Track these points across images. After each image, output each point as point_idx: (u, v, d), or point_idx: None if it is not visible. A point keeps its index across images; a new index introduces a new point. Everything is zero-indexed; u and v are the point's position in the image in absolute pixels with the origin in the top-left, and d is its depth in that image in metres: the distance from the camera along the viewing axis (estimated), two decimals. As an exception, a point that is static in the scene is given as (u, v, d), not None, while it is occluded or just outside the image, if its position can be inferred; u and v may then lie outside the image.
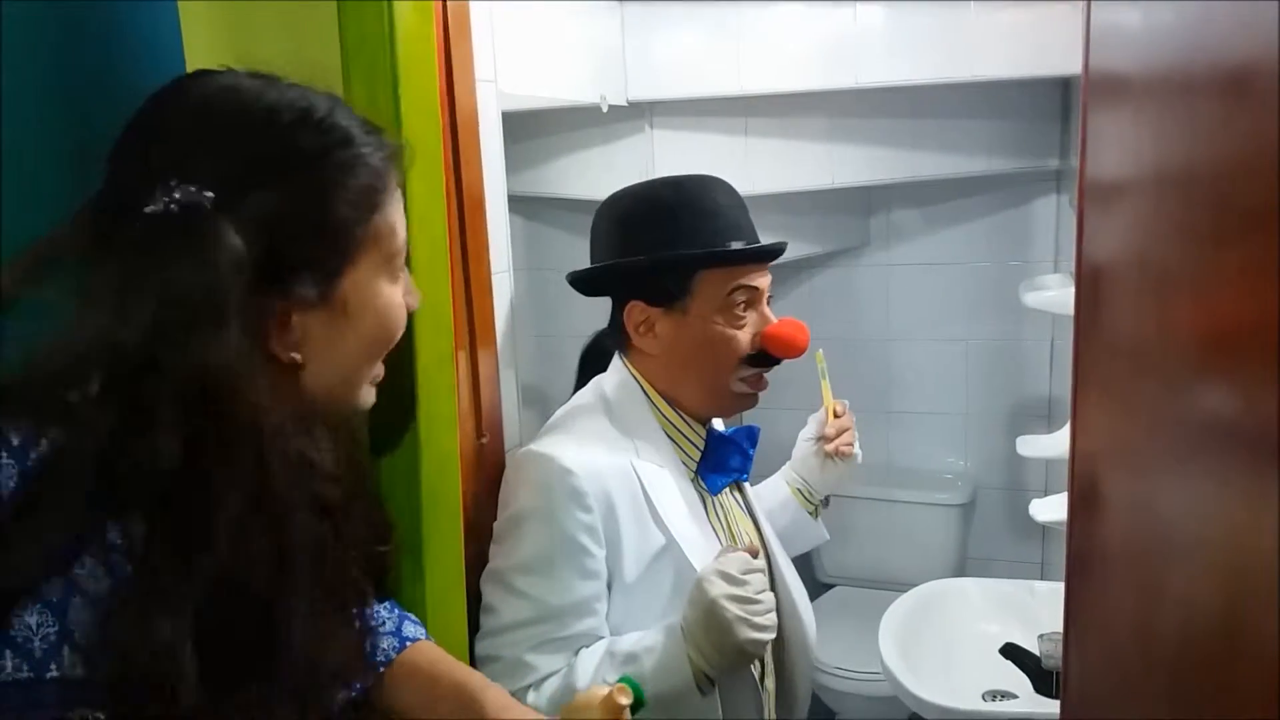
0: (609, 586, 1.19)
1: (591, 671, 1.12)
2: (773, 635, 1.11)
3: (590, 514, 1.16)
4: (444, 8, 1.14)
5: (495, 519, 1.25)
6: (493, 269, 1.31)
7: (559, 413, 1.33)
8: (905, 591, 1.93)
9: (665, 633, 1.12)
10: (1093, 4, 0.80)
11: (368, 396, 0.81)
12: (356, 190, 0.72)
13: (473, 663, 1.16)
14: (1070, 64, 1.89)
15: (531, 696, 1.13)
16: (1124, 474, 0.75)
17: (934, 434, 2.71)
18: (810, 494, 1.50)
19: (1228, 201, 0.51)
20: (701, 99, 2.04)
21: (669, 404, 1.29)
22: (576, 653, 1.15)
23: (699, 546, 1.20)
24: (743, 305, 1.26)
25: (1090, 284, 0.83)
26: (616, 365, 1.33)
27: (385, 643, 0.99)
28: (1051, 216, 2.50)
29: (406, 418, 1.06)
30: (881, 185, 2.43)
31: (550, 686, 1.13)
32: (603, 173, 2.13)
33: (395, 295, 0.77)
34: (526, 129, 2.14)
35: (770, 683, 1.30)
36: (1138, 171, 0.70)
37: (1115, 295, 0.76)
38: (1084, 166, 0.85)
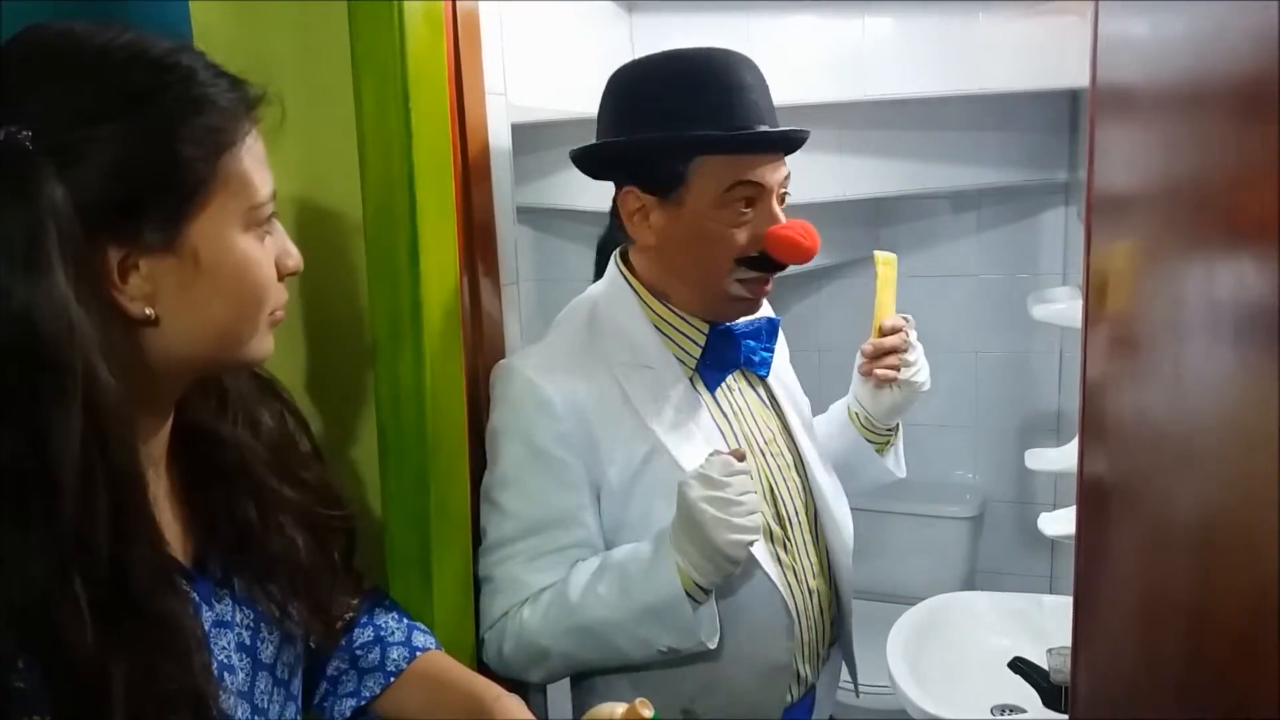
0: (600, 496, 1.16)
1: (584, 582, 1.11)
2: (755, 537, 1.06)
3: (560, 422, 1.13)
4: (454, 20, 1.15)
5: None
6: (502, 280, 1.32)
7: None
8: (913, 604, 1.92)
9: (655, 541, 1.10)
10: (1101, 16, 0.81)
11: (260, 348, 0.78)
12: (199, 129, 0.70)
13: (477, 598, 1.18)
14: (1079, 76, 1.91)
15: (527, 612, 1.13)
16: (1133, 488, 0.74)
17: (942, 447, 2.70)
18: (867, 421, 1.36)
19: (1236, 214, 0.51)
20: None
21: (660, 300, 1.21)
22: (574, 565, 1.14)
23: (692, 448, 1.15)
24: (744, 202, 1.12)
25: (1098, 297, 0.83)
26: (610, 267, 1.27)
27: (395, 652, 0.99)
28: (1060, 229, 2.50)
29: (415, 427, 1.07)
30: (890, 197, 2.43)
31: (545, 599, 1.12)
32: (612, 185, 2.14)
33: (255, 249, 0.74)
34: (536, 141, 2.15)
35: (819, 584, 1.25)
36: (1146, 184, 0.70)
37: (1123, 309, 0.76)
38: (1092, 179, 0.85)
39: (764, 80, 1.18)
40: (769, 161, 1.13)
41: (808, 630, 1.23)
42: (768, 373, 1.28)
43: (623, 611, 1.08)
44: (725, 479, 1.05)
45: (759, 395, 1.28)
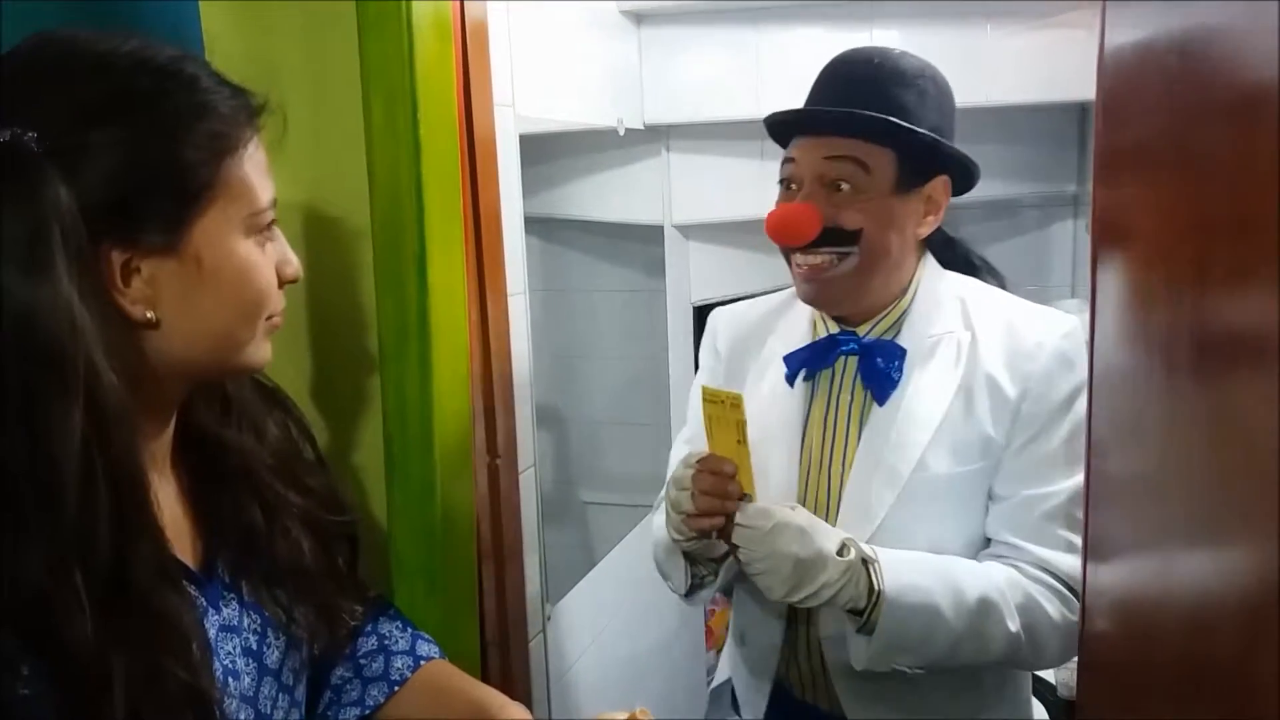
0: None
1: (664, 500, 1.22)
2: (678, 537, 1.15)
3: (713, 356, 1.34)
4: (462, 32, 1.15)
5: (508, 539, 1.28)
6: (509, 290, 1.32)
7: None
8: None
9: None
10: (1107, 28, 0.81)
11: (258, 354, 0.78)
12: (201, 134, 0.70)
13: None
14: (1087, 89, 1.90)
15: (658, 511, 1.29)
16: (1139, 506, 0.74)
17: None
18: None
19: (1242, 228, 0.51)
20: (718, 122, 2.05)
21: None
22: None
23: (760, 420, 1.13)
24: (785, 182, 1.19)
25: (1105, 310, 0.83)
26: None
27: (399, 661, 0.99)
28: (1069, 242, 2.49)
29: (422, 437, 1.07)
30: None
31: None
32: (619, 195, 2.14)
33: (255, 255, 0.75)
34: (544, 151, 2.16)
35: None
36: (1151, 198, 0.70)
37: (1129, 322, 0.76)
38: (1097, 192, 0.85)
39: (868, 73, 1.20)
40: (810, 143, 1.17)
41: (801, 639, 1.23)
42: (881, 400, 1.17)
43: (663, 537, 1.22)
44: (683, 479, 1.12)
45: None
